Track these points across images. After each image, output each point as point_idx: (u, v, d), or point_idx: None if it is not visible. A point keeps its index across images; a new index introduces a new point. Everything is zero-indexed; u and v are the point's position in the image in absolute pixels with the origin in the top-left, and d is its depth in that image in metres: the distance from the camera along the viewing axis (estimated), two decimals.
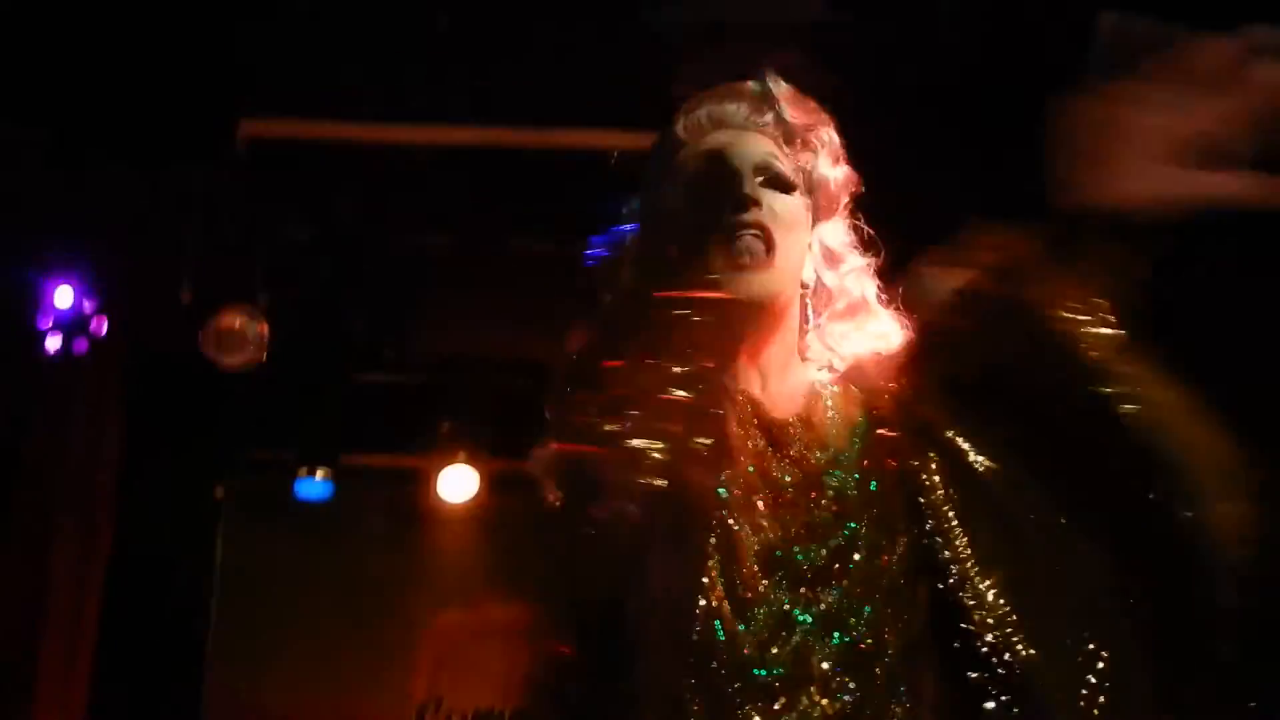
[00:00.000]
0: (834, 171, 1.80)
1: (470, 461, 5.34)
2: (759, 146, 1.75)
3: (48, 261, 4.97)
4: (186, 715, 5.27)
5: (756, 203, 1.69)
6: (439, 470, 5.38)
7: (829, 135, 1.81)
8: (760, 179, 1.72)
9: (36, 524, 5.14)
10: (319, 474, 5.31)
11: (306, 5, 4.08)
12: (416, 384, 5.25)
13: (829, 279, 1.80)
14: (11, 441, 5.17)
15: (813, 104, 1.82)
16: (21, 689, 4.96)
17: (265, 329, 4.81)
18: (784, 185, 1.74)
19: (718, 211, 1.69)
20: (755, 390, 1.72)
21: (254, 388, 5.00)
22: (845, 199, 1.82)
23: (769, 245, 1.69)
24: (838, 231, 1.82)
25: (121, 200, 4.84)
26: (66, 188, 4.76)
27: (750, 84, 1.81)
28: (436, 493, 5.40)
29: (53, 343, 4.94)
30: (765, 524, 1.62)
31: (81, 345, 4.97)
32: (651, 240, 1.76)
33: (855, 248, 1.82)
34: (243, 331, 4.81)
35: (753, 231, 1.68)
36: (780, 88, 1.80)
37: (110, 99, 4.43)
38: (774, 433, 1.69)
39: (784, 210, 1.72)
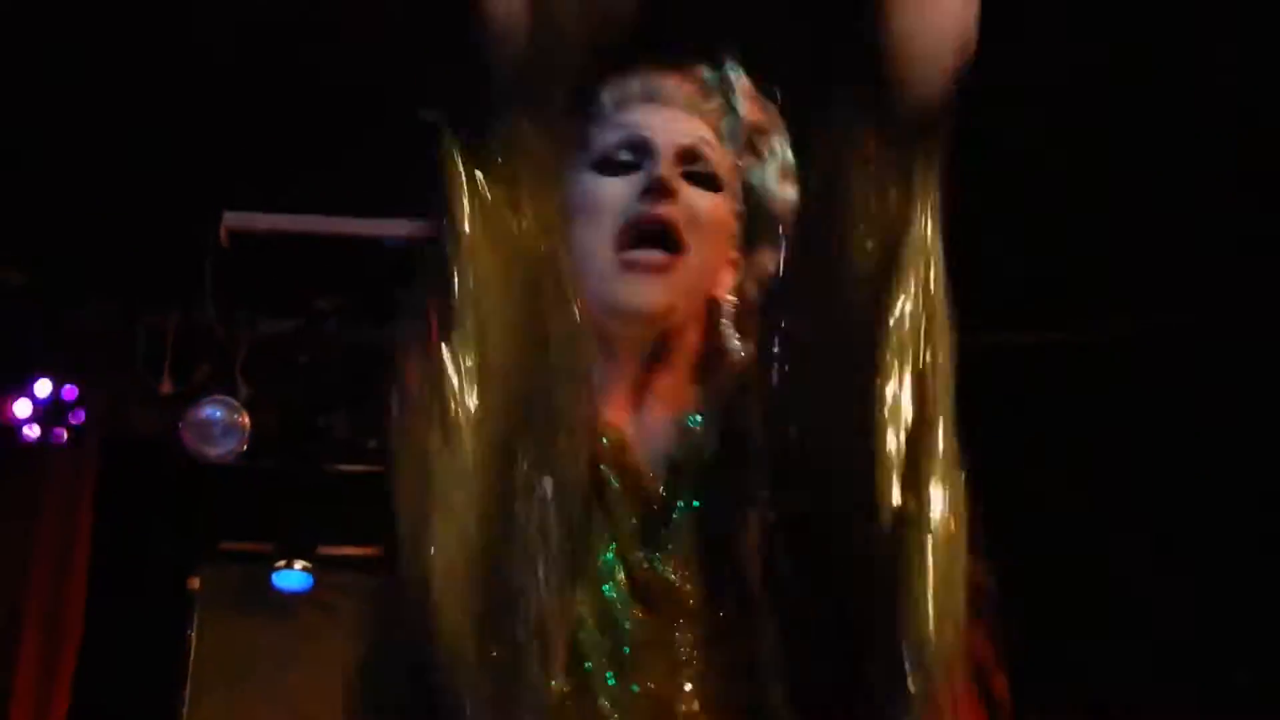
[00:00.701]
0: (780, 189, 1.50)
1: None
2: (692, 130, 1.45)
3: (27, 352, 4.99)
4: None
5: (672, 192, 1.39)
6: None
7: (781, 147, 1.52)
8: (683, 168, 1.42)
9: (4, 610, 5.10)
10: (297, 565, 5.29)
11: (288, 102, 4.13)
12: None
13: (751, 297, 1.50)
14: None
15: (772, 107, 1.53)
16: None
17: (246, 420, 4.82)
18: (710, 180, 1.44)
19: (620, 197, 1.40)
20: (625, 424, 1.40)
21: (232, 478, 4.99)
22: (783, 214, 1.50)
23: (676, 246, 1.39)
24: (776, 262, 1.50)
25: (104, 297, 4.90)
26: (49, 304, 4.85)
27: (702, 66, 1.52)
28: None
29: (30, 431, 4.94)
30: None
31: (59, 434, 4.97)
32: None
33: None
34: (223, 422, 4.81)
35: (661, 221, 1.38)
36: (739, 79, 1.51)
37: (93, 195, 4.47)
38: (636, 476, 1.37)
39: (704, 208, 1.42)
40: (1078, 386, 4.95)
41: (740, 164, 1.49)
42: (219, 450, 4.81)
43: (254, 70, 3.99)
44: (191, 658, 5.61)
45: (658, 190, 1.38)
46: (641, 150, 1.42)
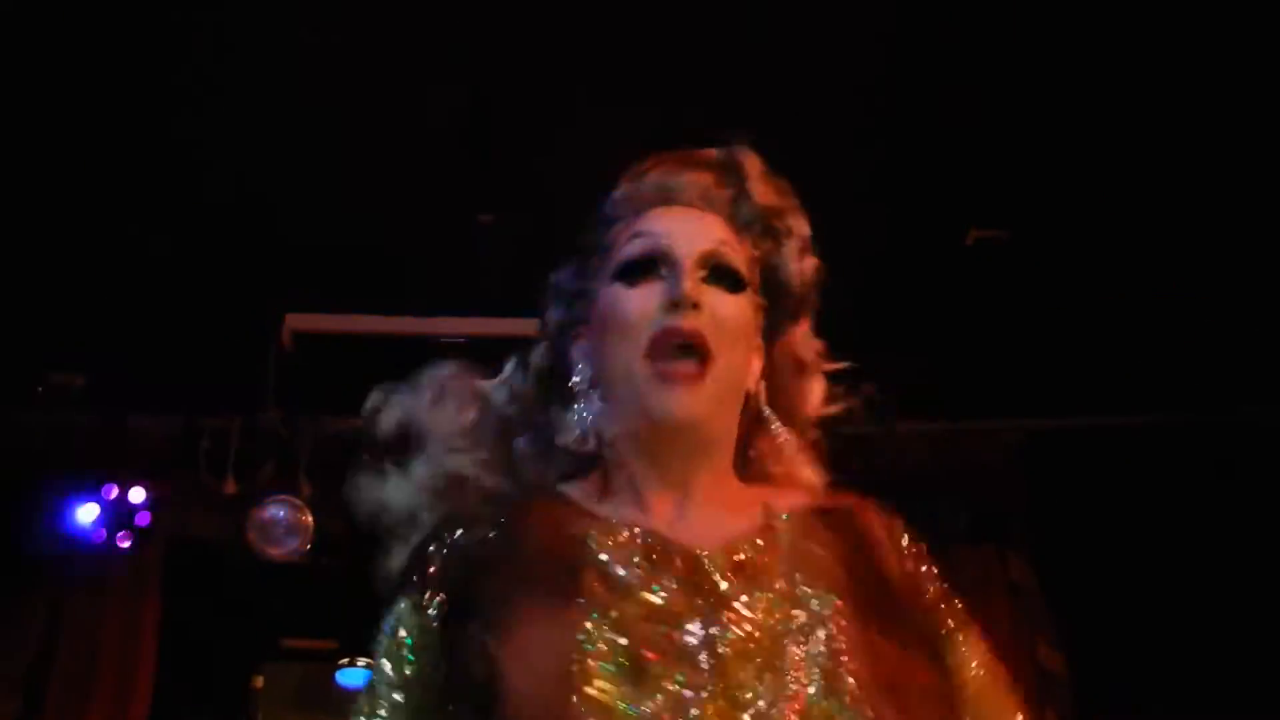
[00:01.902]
0: (800, 264, 1.52)
1: None
2: (709, 232, 1.47)
3: (91, 456, 5.07)
4: None
5: (696, 305, 1.41)
6: None
7: (797, 223, 1.53)
8: (704, 273, 1.44)
9: (73, 706, 5.12)
10: (361, 663, 5.29)
11: (350, 205, 4.20)
12: None
13: (794, 389, 1.53)
14: (50, 629, 5.19)
15: (785, 185, 1.54)
16: None
17: (309, 519, 4.85)
18: (733, 283, 1.45)
19: (648, 309, 1.42)
20: (663, 524, 1.39)
21: (296, 577, 5.01)
22: (809, 292, 1.54)
23: (705, 357, 1.40)
24: (807, 336, 1.54)
25: (167, 399, 4.96)
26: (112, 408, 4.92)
27: (715, 152, 1.53)
28: None
29: (96, 536, 5.00)
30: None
31: (124, 538, 5.02)
32: (566, 344, 1.52)
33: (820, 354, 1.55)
34: (287, 522, 4.85)
35: (689, 335, 1.40)
36: (751, 162, 1.52)
37: (155, 298, 4.55)
38: (686, 567, 1.34)
39: (729, 314, 1.43)
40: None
41: (757, 252, 1.51)
42: (283, 550, 4.84)
43: (313, 175, 4.07)
44: None
45: (682, 304, 1.40)
46: (664, 260, 1.44)
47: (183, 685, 5.25)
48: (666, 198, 1.50)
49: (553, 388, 1.52)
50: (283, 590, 5.19)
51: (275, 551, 4.84)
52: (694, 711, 1.24)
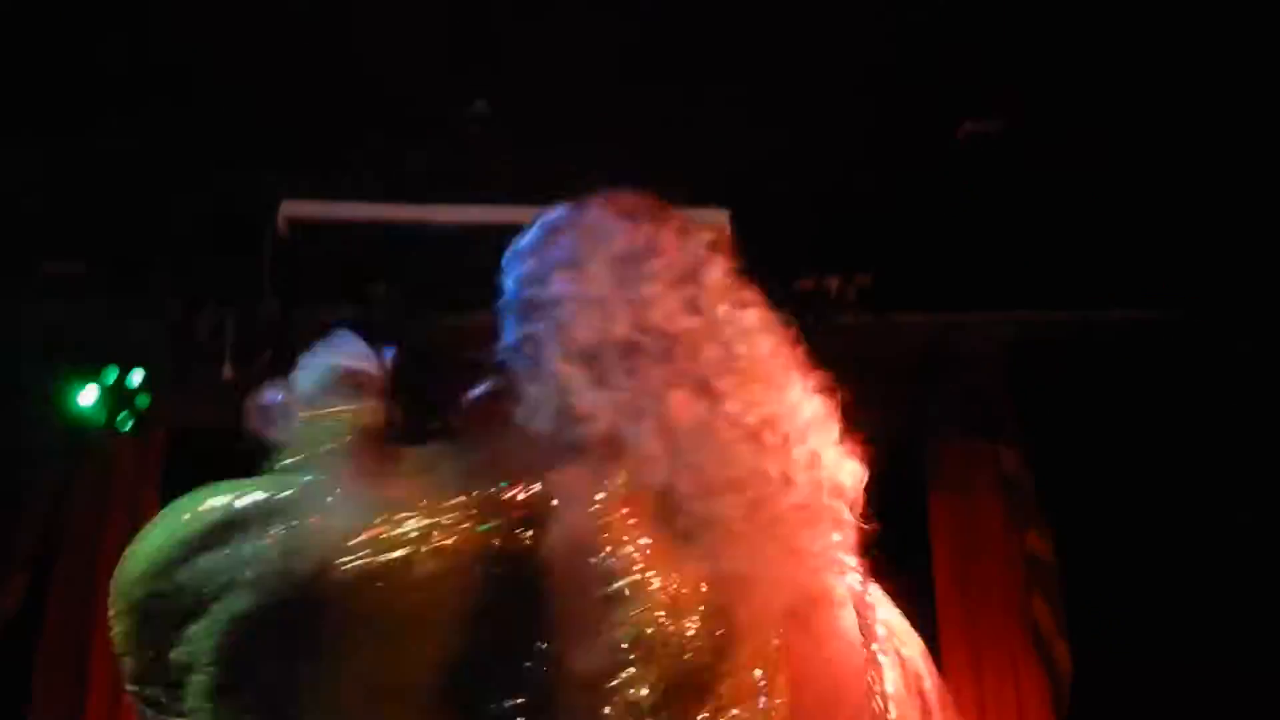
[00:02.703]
0: None
1: None
2: None
3: (91, 342, 5.09)
4: None
5: None
6: None
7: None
8: None
9: (79, 594, 5.21)
10: None
11: (347, 87, 4.17)
12: None
13: None
14: (55, 515, 5.27)
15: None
16: None
17: None
18: None
19: None
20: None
21: None
22: None
23: None
24: None
25: (165, 286, 4.97)
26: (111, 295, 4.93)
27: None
28: None
29: (97, 417, 5.04)
30: None
31: (126, 422, 5.06)
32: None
33: None
34: (285, 405, 4.87)
35: None
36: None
37: (152, 186, 4.54)
38: None
39: None
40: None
41: None
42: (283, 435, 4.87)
43: (309, 59, 4.04)
44: None
45: None
46: None
47: None
48: None
49: None
50: None
51: (275, 435, 4.87)
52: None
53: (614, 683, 1.33)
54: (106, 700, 5.07)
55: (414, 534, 1.40)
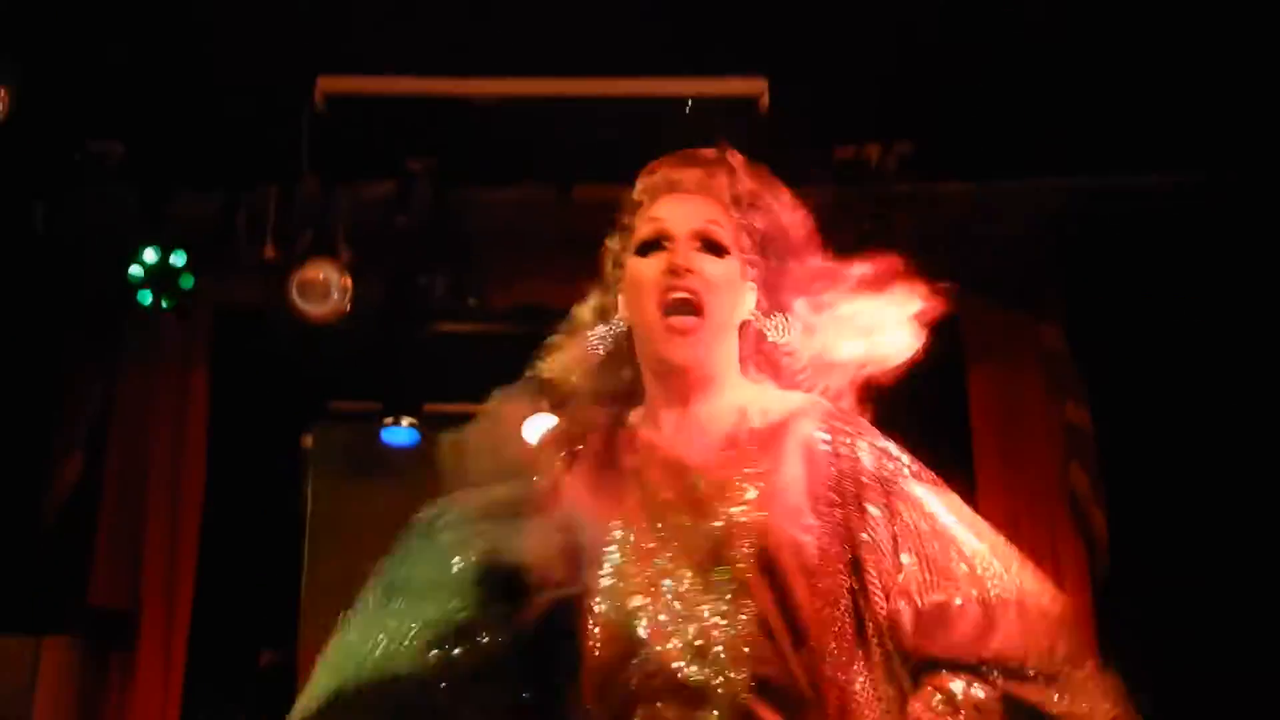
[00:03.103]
0: (790, 217, 2.00)
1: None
2: (702, 211, 1.94)
3: (132, 223, 5.11)
4: (281, 668, 5.39)
5: (689, 269, 1.89)
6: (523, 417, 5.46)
7: (779, 193, 2.01)
8: (697, 245, 1.92)
9: (132, 467, 5.32)
10: (404, 422, 5.44)
11: None
12: (498, 333, 5.31)
13: (800, 309, 1.99)
14: (107, 389, 5.35)
15: (764, 170, 2.02)
16: (125, 632, 5.15)
17: (349, 282, 4.92)
18: (718, 249, 1.92)
19: (656, 275, 1.91)
20: (665, 439, 1.92)
21: (339, 340, 5.10)
22: (801, 238, 2.00)
23: (698, 309, 1.88)
24: (803, 268, 2.00)
25: (204, 167, 4.98)
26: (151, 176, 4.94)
27: (707, 151, 2.01)
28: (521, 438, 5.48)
29: (144, 297, 5.08)
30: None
31: (171, 299, 5.10)
32: (616, 294, 1.99)
33: (826, 279, 1.99)
34: (327, 283, 4.91)
35: (688, 294, 1.88)
36: (734, 156, 2.00)
37: (188, 63, 4.52)
38: (678, 477, 1.87)
39: (715, 274, 1.91)
40: None
41: (744, 220, 1.96)
42: (325, 311, 4.91)
43: None
44: (308, 511, 5.83)
45: (676, 272, 1.89)
46: (666, 237, 1.92)
47: (234, 447, 5.42)
48: (672, 187, 1.97)
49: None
50: (326, 354, 5.29)
51: (317, 313, 4.91)
52: (667, 581, 1.77)
53: None
54: (161, 574, 5.20)
55: None
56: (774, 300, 2.00)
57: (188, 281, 5.08)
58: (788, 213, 2.00)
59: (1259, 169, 4.87)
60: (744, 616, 1.73)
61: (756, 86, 4.47)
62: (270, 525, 5.61)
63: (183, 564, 5.22)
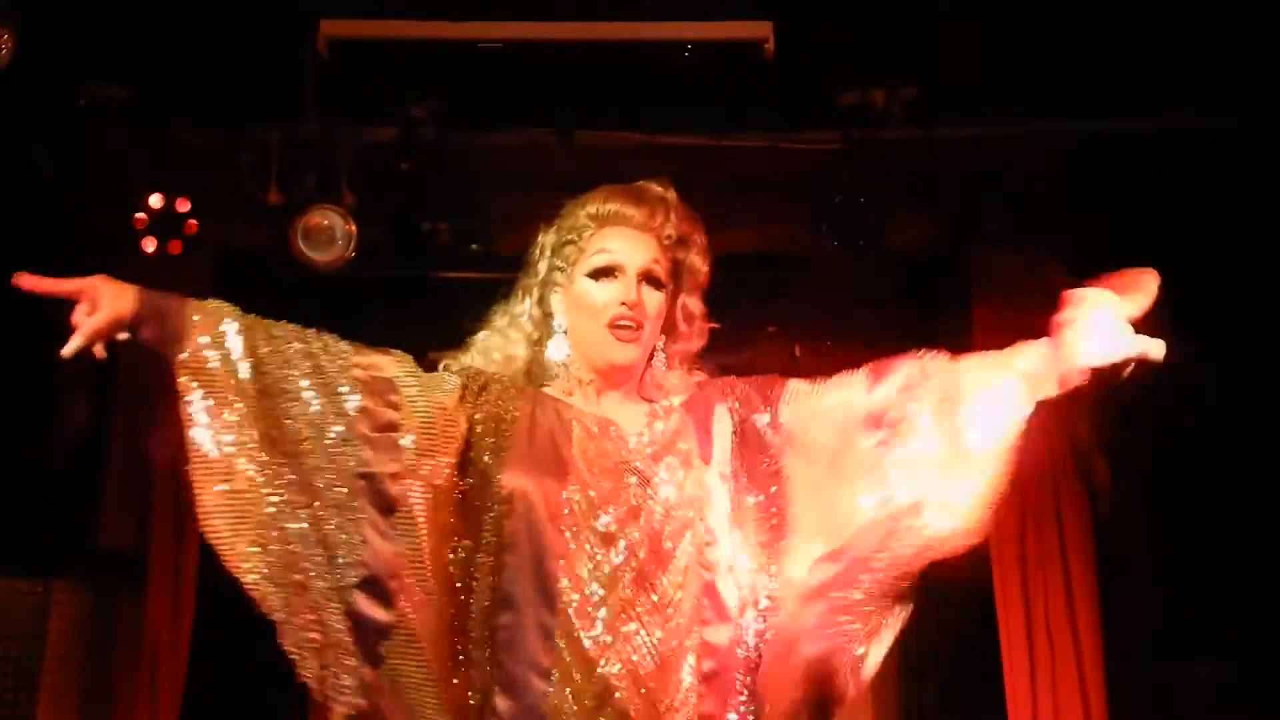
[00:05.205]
0: (702, 264, 2.55)
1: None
2: (648, 250, 2.46)
3: (134, 167, 5.10)
4: None
5: (639, 304, 2.44)
6: None
7: (700, 237, 2.53)
8: (643, 280, 2.45)
9: (138, 412, 5.33)
10: None
11: None
12: (501, 281, 5.30)
13: (683, 330, 2.55)
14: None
15: (692, 213, 2.53)
16: (134, 576, 5.20)
17: (353, 228, 4.91)
18: (657, 284, 2.47)
19: (610, 302, 2.43)
20: (610, 413, 2.45)
21: (342, 287, 5.10)
22: (703, 281, 2.56)
23: (638, 328, 2.44)
24: (697, 304, 2.57)
25: (206, 110, 4.96)
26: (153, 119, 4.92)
27: (653, 189, 2.51)
28: None
29: (148, 244, 5.08)
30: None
31: (175, 245, 5.10)
32: (549, 292, 2.52)
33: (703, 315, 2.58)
34: (331, 229, 4.91)
35: (632, 320, 2.43)
36: (672, 197, 2.50)
37: (190, 7, 4.50)
38: (618, 440, 2.40)
39: (653, 305, 2.46)
40: None
41: (676, 255, 2.52)
42: (329, 256, 4.91)
43: None
44: None
45: (628, 304, 2.43)
46: (619, 270, 2.45)
47: None
48: (621, 220, 2.48)
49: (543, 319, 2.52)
50: (329, 298, 5.29)
51: (321, 258, 4.92)
52: (613, 525, 2.32)
53: None
54: (170, 517, 5.23)
55: None
56: (670, 315, 2.55)
57: (190, 225, 5.08)
58: (702, 257, 2.54)
59: (1267, 112, 4.85)
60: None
61: (762, 30, 4.45)
62: None
63: (191, 507, 5.23)
